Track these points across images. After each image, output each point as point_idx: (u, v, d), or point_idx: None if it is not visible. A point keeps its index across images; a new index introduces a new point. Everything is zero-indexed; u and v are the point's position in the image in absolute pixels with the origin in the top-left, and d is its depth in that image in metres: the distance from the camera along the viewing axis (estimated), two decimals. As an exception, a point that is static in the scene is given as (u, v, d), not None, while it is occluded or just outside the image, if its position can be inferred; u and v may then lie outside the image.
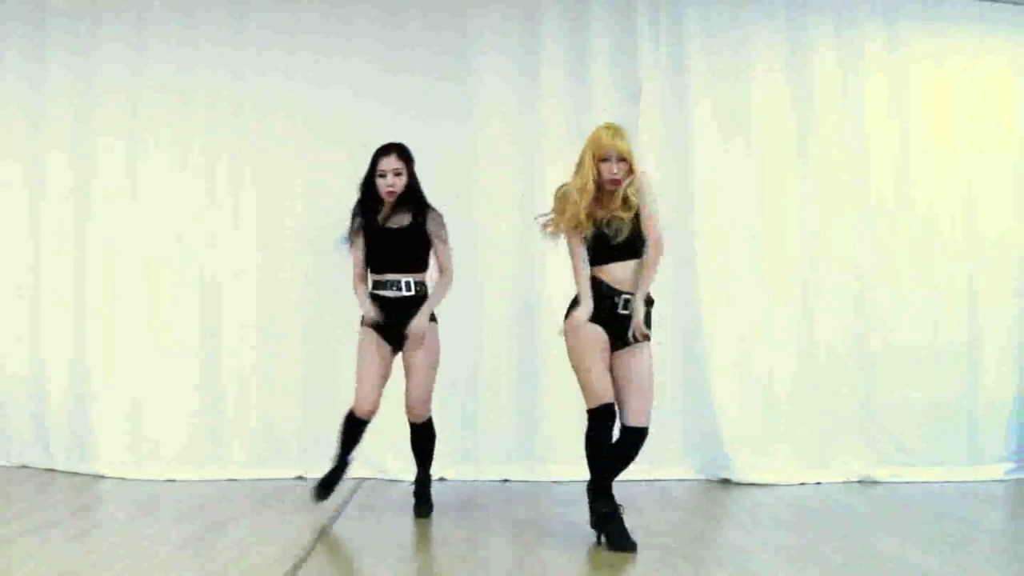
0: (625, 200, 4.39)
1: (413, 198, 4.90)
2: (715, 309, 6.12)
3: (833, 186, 6.21)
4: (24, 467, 6.22)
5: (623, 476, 5.90)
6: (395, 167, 4.86)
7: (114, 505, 5.41)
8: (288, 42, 6.14)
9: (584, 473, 4.60)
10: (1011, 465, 6.27)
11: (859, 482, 6.09)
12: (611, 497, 4.41)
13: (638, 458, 5.99)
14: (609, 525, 4.41)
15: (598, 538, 4.48)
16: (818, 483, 6.03)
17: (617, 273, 4.43)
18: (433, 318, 4.92)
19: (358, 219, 4.93)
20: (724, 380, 6.10)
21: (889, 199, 6.26)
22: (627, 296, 4.42)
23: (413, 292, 4.89)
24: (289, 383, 6.09)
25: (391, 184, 4.85)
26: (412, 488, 5.13)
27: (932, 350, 6.25)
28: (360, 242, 4.94)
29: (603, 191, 4.41)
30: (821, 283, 6.20)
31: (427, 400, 4.92)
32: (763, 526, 4.98)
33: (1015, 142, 6.37)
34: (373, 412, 4.87)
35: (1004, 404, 6.30)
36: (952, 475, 6.13)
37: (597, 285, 4.44)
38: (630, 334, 4.41)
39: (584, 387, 4.41)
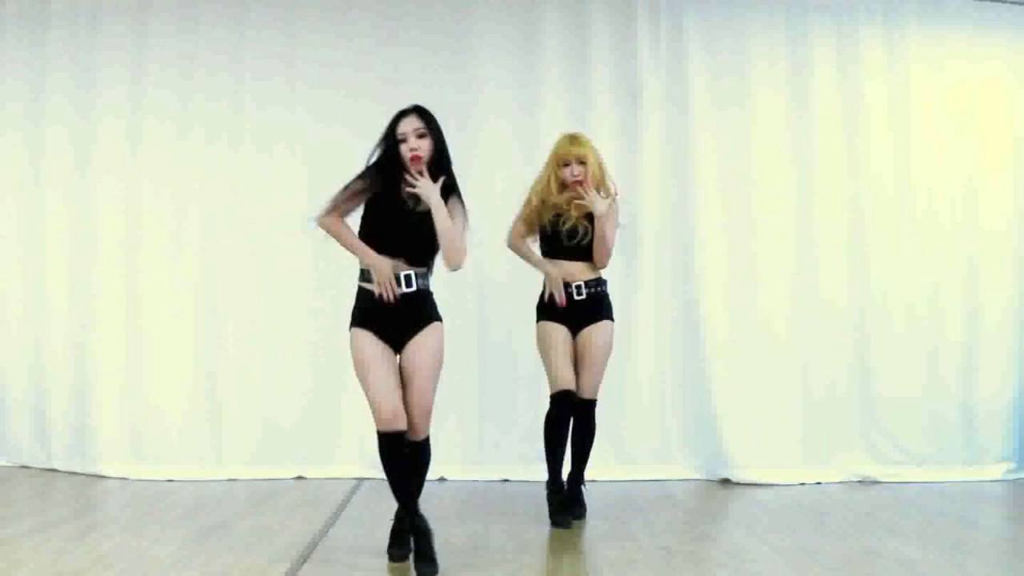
0: (589, 213, 4.89)
1: (442, 170, 4.11)
2: (715, 309, 6.12)
3: (833, 186, 6.21)
4: (24, 467, 6.22)
5: (624, 476, 5.98)
6: (416, 127, 4.10)
7: (114, 505, 5.41)
8: (288, 43, 6.14)
9: (587, 473, 5.07)
10: (1011, 465, 6.27)
11: (859, 482, 6.09)
12: (560, 481, 5.00)
13: (639, 458, 6.08)
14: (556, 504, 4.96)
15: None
16: (818, 483, 6.03)
17: (568, 268, 4.96)
18: (438, 316, 4.20)
19: (371, 172, 4.14)
20: (724, 380, 6.10)
21: (889, 200, 6.25)
22: (579, 284, 4.94)
23: (415, 287, 4.10)
24: (289, 383, 6.09)
25: (415, 148, 4.07)
26: (392, 523, 4.29)
27: (932, 350, 6.25)
28: (357, 184, 4.13)
29: (567, 191, 4.91)
30: (821, 283, 6.20)
31: (430, 412, 4.15)
32: (763, 526, 4.98)
33: (1015, 142, 6.36)
34: (401, 419, 4.05)
35: (1004, 404, 6.30)
36: (952, 475, 6.13)
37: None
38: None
39: (547, 375, 4.97)
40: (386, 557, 4.24)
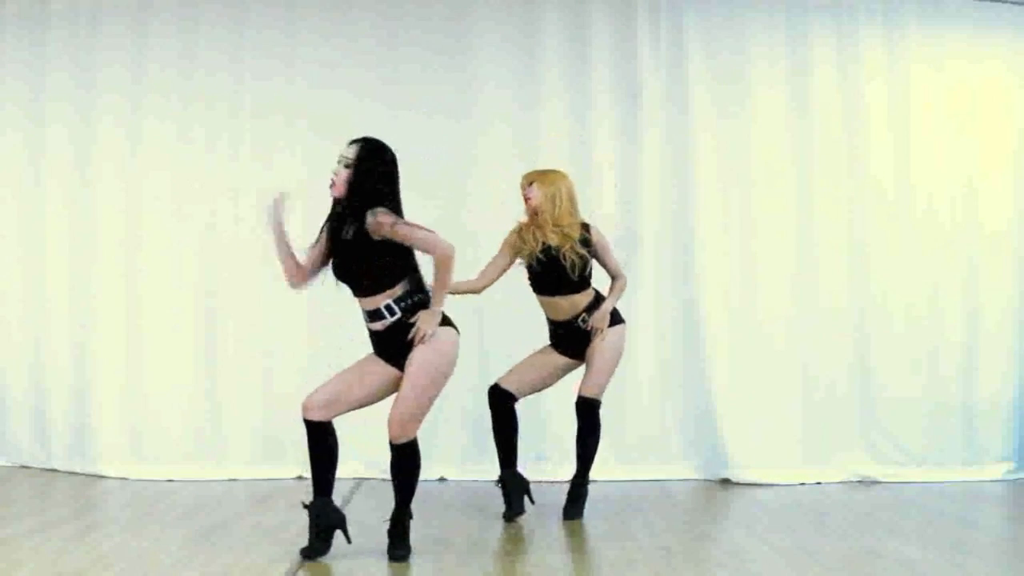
0: (556, 239, 4.90)
1: (353, 201, 4.09)
2: (715, 309, 6.13)
3: (833, 186, 6.21)
4: (24, 467, 6.22)
5: (624, 476, 5.98)
6: (345, 156, 4.12)
7: (114, 505, 5.41)
8: (288, 44, 6.14)
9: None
10: (1011, 465, 6.26)
11: (859, 482, 6.08)
12: (505, 474, 5.11)
13: (639, 458, 6.08)
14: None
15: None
16: (818, 483, 6.02)
17: (564, 306, 4.99)
18: (448, 321, 4.18)
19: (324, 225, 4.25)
20: (724, 380, 6.10)
21: (889, 200, 6.25)
22: (583, 316, 4.98)
23: (399, 315, 4.13)
24: (289, 383, 6.08)
25: (334, 173, 4.12)
26: (387, 525, 4.32)
27: (931, 350, 6.25)
28: (319, 244, 4.27)
29: (535, 221, 4.95)
30: (821, 283, 6.20)
31: (408, 420, 4.14)
32: (763, 526, 4.98)
33: (1015, 142, 6.36)
34: (311, 411, 4.17)
35: (1004, 404, 6.30)
36: (952, 475, 6.13)
37: (549, 318, 5.10)
38: (591, 326, 4.98)
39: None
40: (386, 557, 4.24)
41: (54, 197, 6.19)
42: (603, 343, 4.97)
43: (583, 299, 5.00)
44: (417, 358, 4.13)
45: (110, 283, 6.12)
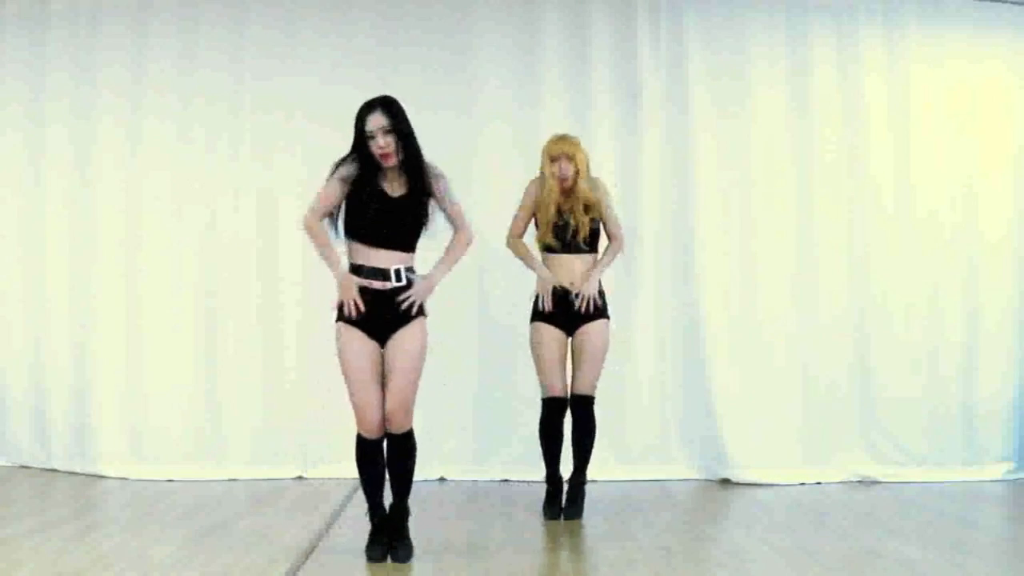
0: (587, 203, 4.97)
1: (411, 161, 4.18)
2: (715, 309, 6.13)
3: (833, 186, 6.21)
4: (24, 467, 6.22)
5: (624, 476, 5.98)
6: (382, 124, 4.11)
7: (114, 505, 5.41)
8: (288, 43, 6.15)
9: (589, 473, 5.13)
10: (1011, 465, 6.26)
11: (859, 482, 6.08)
12: (557, 477, 5.10)
13: (639, 458, 6.08)
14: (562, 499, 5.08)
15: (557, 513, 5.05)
16: (818, 483, 6.02)
17: (570, 265, 4.99)
18: (423, 311, 4.24)
19: (348, 165, 4.18)
20: (724, 380, 6.10)
21: (889, 200, 6.25)
22: (577, 292, 4.98)
23: (404, 282, 4.19)
24: (289, 383, 6.09)
25: (383, 145, 4.11)
26: (387, 514, 4.33)
27: (931, 350, 6.25)
28: (336, 187, 4.19)
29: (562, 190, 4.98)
30: (821, 283, 6.20)
31: (411, 407, 4.20)
32: (763, 526, 4.98)
33: (1015, 142, 6.36)
34: (383, 428, 4.21)
35: (1004, 404, 6.29)
36: (952, 475, 6.13)
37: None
38: (579, 307, 4.97)
39: (539, 379, 5.08)
40: (387, 559, 4.24)
41: (54, 197, 6.19)
42: (591, 340, 4.98)
43: (592, 265, 5.03)
44: (411, 350, 4.18)
45: (110, 283, 6.12)
